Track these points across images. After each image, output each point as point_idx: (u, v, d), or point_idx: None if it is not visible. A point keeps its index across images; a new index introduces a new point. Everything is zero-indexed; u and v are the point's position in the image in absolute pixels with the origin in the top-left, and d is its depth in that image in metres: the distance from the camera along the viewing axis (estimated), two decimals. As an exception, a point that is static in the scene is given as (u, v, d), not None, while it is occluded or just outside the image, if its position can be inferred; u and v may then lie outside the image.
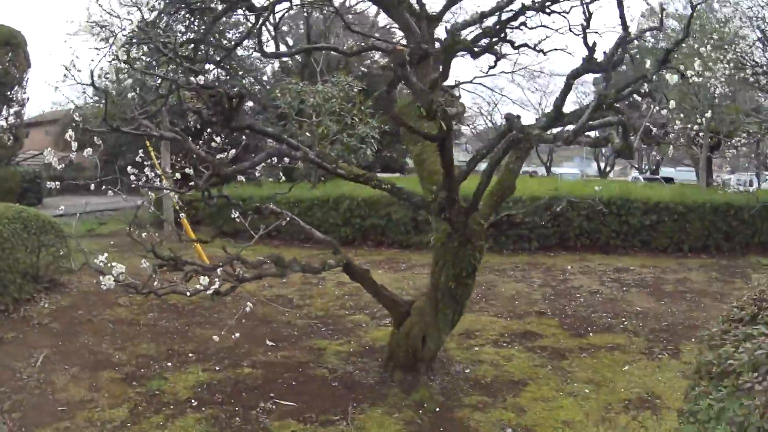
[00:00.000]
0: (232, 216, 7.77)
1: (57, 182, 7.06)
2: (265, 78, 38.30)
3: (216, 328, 9.68)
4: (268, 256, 6.83)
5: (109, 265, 5.27)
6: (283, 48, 36.78)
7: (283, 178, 10.24)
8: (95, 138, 5.76)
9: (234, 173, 5.65)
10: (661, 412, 6.90)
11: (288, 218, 7.72)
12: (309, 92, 21.56)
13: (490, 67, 7.77)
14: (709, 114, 17.65)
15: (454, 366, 8.45)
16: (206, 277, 6.13)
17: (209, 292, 5.19)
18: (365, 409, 7.16)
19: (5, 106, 19.16)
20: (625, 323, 10.49)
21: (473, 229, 6.88)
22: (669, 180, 40.42)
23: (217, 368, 8.57)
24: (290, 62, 36.88)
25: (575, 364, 8.51)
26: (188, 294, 5.64)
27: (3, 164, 19.29)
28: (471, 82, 42.02)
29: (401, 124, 5.93)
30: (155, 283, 6.37)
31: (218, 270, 6.30)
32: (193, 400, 7.54)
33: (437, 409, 7.14)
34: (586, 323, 10.56)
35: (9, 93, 18.99)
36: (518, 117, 5.08)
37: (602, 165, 56.98)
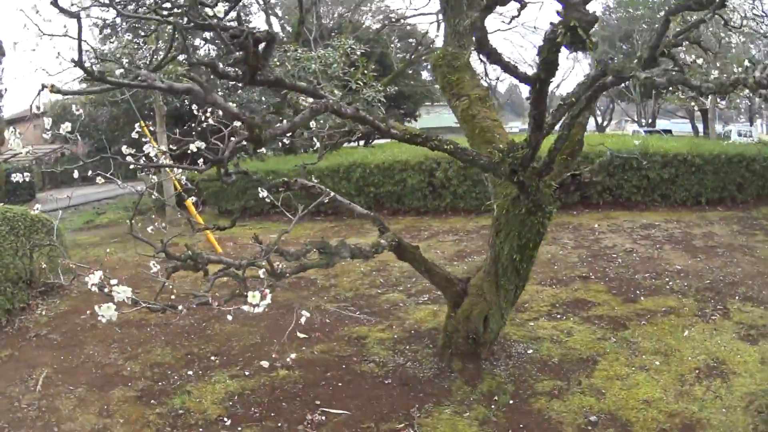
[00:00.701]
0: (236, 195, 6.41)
1: (28, 174, 5.73)
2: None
3: (237, 322, 8.53)
4: (312, 243, 5.51)
5: (107, 289, 3.88)
6: (275, 22, 35.40)
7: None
8: (75, 108, 4.43)
9: (273, 136, 4.28)
10: (731, 379, 6.46)
11: (330, 194, 6.48)
12: (310, 58, 20.52)
13: (513, 17, 6.66)
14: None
15: (514, 346, 7.50)
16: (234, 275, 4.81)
17: (256, 306, 3.75)
18: (430, 411, 6.13)
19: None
20: (670, 284, 9.78)
21: (544, 193, 5.95)
22: (668, 132, 40.24)
23: (247, 373, 7.34)
24: (281, 33, 35.32)
25: (637, 334, 7.82)
26: (220, 306, 4.23)
27: (-17, 160, 18.08)
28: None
29: (497, 60, 4.64)
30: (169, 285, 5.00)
31: (244, 265, 4.96)
32: (225, 419, 6.32)
33: (510, 402, 6.20)
34: (632, 286, 9.78)
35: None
36: (611, 58, 4.00)
37: (599, 119, 56.05)
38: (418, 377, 6.88)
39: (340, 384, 6.94)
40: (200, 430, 6.13)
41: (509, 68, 4.71)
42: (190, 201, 13.23)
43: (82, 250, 13.61)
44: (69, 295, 10.34)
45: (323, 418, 6.22)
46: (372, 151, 20.80)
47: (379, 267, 11.43)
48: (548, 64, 4.28)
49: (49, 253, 10.13)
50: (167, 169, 15.62)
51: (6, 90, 18.36)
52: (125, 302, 3.51)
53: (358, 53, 21.39)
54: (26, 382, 7.36)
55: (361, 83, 20.86)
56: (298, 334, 8.33)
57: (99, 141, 30.75)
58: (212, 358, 7.76)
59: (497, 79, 50.32)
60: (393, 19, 36.98)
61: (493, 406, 6.10)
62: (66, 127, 4.31)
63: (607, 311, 8.62)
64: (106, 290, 3.43)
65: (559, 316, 8.53)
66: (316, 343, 8.12)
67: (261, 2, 33.24)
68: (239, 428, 6.12)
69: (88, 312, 8.92)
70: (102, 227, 17.91)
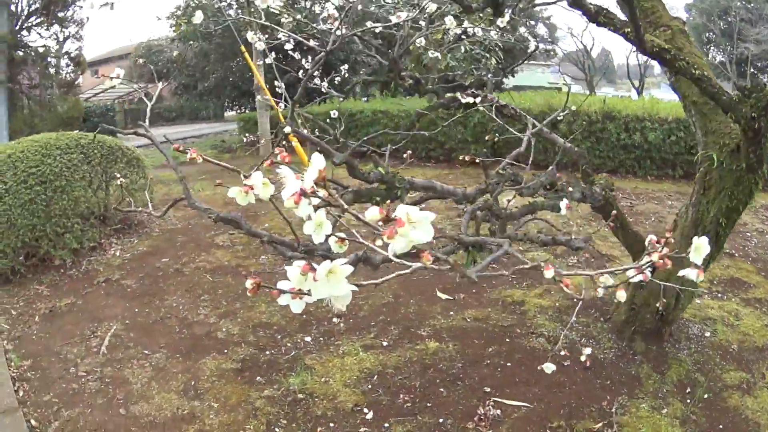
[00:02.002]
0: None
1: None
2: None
3: (360, 275, 6.48)
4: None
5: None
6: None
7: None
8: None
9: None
10: None
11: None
12: None
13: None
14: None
15: (689, 327, 5.97)
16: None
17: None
18: (625, 405, 4.63)
19: (60, 28, 16.42)
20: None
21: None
22: None
23: (385, 343, 5.41)
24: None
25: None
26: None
27: (62, 93, 16.66)
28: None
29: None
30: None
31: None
32: (365, 409, 4.45)
33: (706, 396, 4.81)
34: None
35: (63, 13, 16.24)
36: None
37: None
38: (599, 359, 5.26)
39: (508, 364, 5.12)
40: (331, 425, 4.24)
41: None
42: (294, 138, 11.57)
43: (164, 186, 11.96)
44: (149, 233, 8.62)
45: (498, 412, 4.44)
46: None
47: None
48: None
49: (127, 185, 8.46)
50: (269, 101, 14.11)
51: (88, 19, 16.88)
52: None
53: None
54: (88, 340, 5.64)
55: (480, 25, 19.16)
56: (439, 294, 6.44)
57: (187, 78, 29.61)
58: (335, 320, 5.86)
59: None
60: None
61: (688, 401, 4.73)
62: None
63: (765, 295, 7.07)
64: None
65: (720, 295, 6.97)
66: (465, 307, 6.21)
67: None
68: (386, 425, 4.25)
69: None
70: (187, 164, 16.39)
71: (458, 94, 5.43)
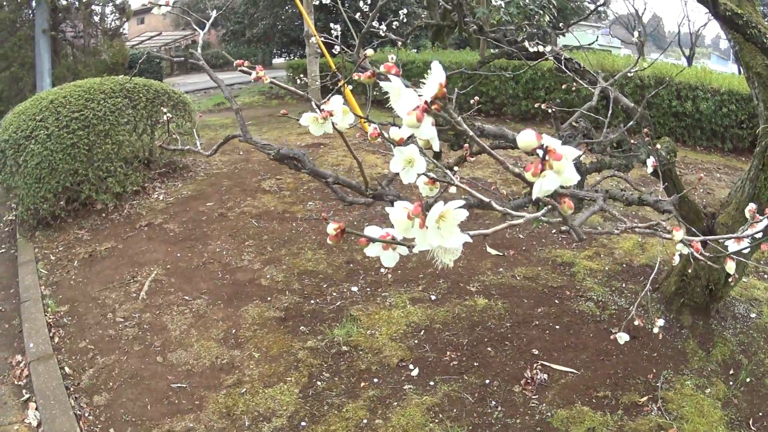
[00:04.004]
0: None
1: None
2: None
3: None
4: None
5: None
6: None
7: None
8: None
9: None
10: None
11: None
12: None
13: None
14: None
15: (735, 306, 5.74)
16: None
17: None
18: (671, 380, 4.48)
19: (103, -27, 16.39)
20: None
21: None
22: None
23: (434, 297, 5.28)
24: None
25: None
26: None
27: (107, 39, 16.67)
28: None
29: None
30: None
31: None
32: (411, 365, 4.34)
33: (748, 380, 4.60)
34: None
35: (107, -42, 16.21)
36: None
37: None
38: (646, 329, 4.97)
39: (557, 327, 4.99)
40: (375, 380, 4.13)
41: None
42: (347, 88, 11.45)
43: (211, 131, 11.92)
44: (194, 177, 8.55)
45: (545, 376, 4.33)
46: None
47: None
48: None
49: (174, 129, 8.41)
50: (319, 51, 13.94)
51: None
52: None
53: None
54: (127, 285, 5.60)
55: None
56: (488, 248, 6.27)
57: (235, 24, 29.55)
58: (382, 270, 5.71)
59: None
60: None
61: (731, 383, 4.55)
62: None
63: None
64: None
65: (766, 275, 6.67)
66: (515, 265, 6.03)
67: None
68: (431, 383, 4.13)
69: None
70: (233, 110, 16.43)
71: (527, 43, 5.20)
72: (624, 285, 5.77)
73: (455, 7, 4.60)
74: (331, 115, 1.42)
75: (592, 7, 47.68)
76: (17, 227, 7.36)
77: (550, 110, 3.95)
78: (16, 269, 6.36)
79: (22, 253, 6.68)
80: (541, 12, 18.63)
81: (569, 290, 5.57)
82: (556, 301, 5.35)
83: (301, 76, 17.50)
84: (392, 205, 1.01)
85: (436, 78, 0.95)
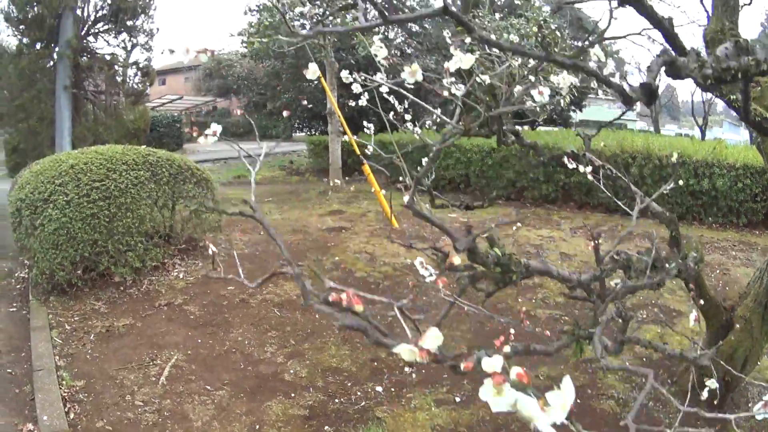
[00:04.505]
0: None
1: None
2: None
3: (433, 322, 6.30)
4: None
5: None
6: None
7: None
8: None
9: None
10: None
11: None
12: (504, 28, 18.80)
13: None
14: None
15: (749, 390, 5.77)
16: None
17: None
18: None
19: (128, 37, 16.64)
20: None
21: None
22: None
23: (458, 399, 5.27)
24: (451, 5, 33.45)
25: None
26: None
27: (129, 103, 16.89)
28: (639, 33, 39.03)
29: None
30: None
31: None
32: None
33: None
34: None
35: (131, 22, 16.46)
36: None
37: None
38: (665, 421, 5.08)
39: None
40: (403, 489, 4.05)
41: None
42: (367, 166, 11.53)
43: (231, 206, 11.96)
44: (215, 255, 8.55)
45: None
46: (564, 133, 18.84)
47: (583, 268, 9.17)
48: None
49: (195, 206, 8.46)
50: (341, 129, 14.14)
51: (158, 30, 17.11)
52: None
53: (553, 27, 19.72)
54: (146, 367, 5.56)
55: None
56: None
57: (258, 96, 29.95)
58: (407, 369, 5.68)
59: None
60: (566, 2, 34.73)
61: None
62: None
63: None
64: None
65: None
66: (538, 364, 5.99)
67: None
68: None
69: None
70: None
71: (565, 159, 5.24)
72: (644, 380, 5.69)
73: (497, 120, 4.65)
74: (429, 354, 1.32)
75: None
76: (30, 288, 7.36)
77: (590, 244, 3.98)
78: (27, 331, 6.35)
79: (35, 316, 6.67)
80: (562, 94, 19.04)
81: (591, 389, 5.56)
82: (578, 401, 5.28)
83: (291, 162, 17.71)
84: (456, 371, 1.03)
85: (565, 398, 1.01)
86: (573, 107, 42.88)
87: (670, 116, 78.89)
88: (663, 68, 2.80)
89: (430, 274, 3.68)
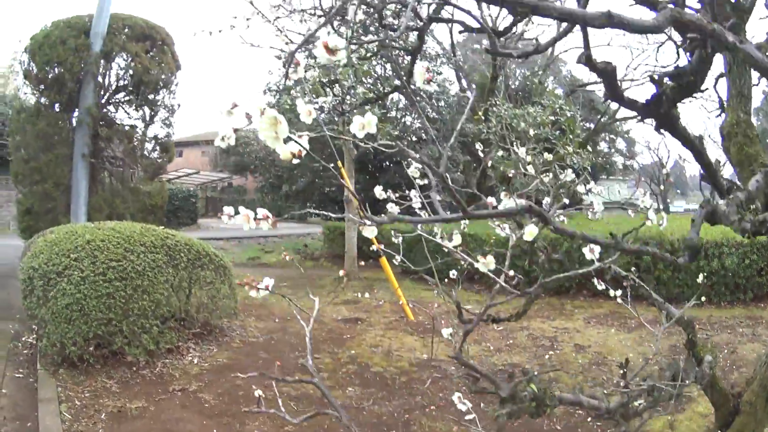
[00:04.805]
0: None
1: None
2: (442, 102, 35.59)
3: (452, 415, 6.30)
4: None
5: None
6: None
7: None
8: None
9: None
10: None
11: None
12: (518, 116, 19.03)
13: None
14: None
15: None
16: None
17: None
18: None
19: (149, 110, 16.81)
20: None
21: None
22: None
23: None
24: (468, 91, 33.93)
25: None
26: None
27: (147, 177, 17.00)
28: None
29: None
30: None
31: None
32: None
33: None
34: None
35: (153, 96, 16.65)
36: None
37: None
38: None
39: None
40: None
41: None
42: (384, 259, 11.55)
43: (246, 291, 11.98)
44: (229, 343, 8.53)
45: None
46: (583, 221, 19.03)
47: (596, 360, 9.17)
48: None
49: (210, 292, 8.47)
50: (358, 216, 14.24)
51: (179, 106, 17.35)
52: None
53: (568, 114, 20.02)
54: (159, 458, 5.45)
55: (569, 149, 19.30)
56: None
57: (274, 177, 30.22)
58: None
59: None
60: (579, 85, 35.42)
61: None
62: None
63: None
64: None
65: None
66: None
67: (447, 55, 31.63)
68: None
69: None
70: (268, 267, 16.75)
71: (595, 281, 5.07)
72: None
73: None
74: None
75: (620, 160, 48.94)
76: (39, 356, 7.32)
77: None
78: (34, 400, 6.30)
79: (44, 387, 6.63)
80: (577, 180, 19.15)
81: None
82: None
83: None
84: None
85: None
86: (586, 188, 43.14)
87: (679, 191, 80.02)
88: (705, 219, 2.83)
89: (468, 410, 3.67)
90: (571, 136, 19.56)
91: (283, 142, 1.78)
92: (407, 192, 5.35)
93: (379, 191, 4.07)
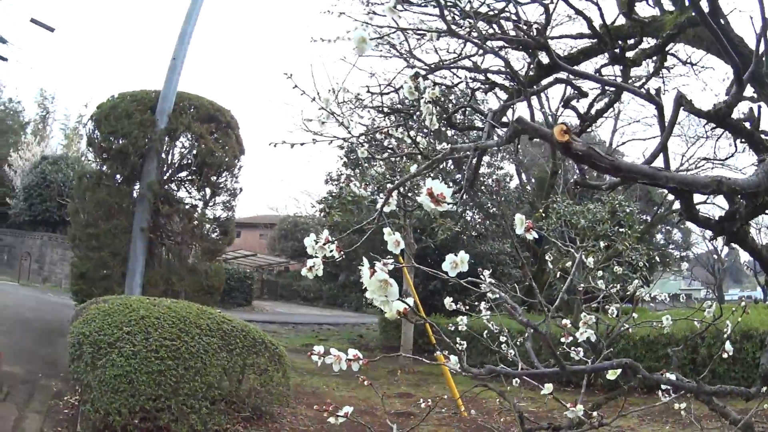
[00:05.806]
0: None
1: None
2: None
3: None
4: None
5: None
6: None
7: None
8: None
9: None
10: None
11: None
12: (577, 213, 19.06)
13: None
14: None
15: None
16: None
17: None
18: None
19: (211, 192, 16.96)
20: None
21: None
22: None
23: None
24: (527, 184, 34.10)
25: None
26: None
27: (206, 258, 17.10)
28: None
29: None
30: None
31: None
32: None
33: None
34: None
35: (215, 178, 16.81)
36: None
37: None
38: None
39: None
40: None
41: None
42: (441, 356, 11.38)
43: (298, 376, 11.94)
44: (279, 430, 8.44)
45: None
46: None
47: None
48: None
49: (263, 378, 8.48)
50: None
51: (241, 190, 17.53)
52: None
53: (627, 210, 19.97)
54: None
55: (627, 245, 19.26)
56: None
57: (331, 265, 30.35)
58: None
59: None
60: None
61: None
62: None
63: None
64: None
65: None
66: None
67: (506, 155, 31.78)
68: None
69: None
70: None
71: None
72: None
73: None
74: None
75: (675, 252, 48.18)
76: (80, 419, 7.32)
77: None
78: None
79: (82, 449, 6.63)
80: (635, 276, 18.87)
81: None
82: None
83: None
84: None
85: None
86: (643, 283, 42.30)
87: (733, 279, 78.79)
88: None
89: None
90: (629, 231, 19.55)
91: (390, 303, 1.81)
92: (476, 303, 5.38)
93: (448, 302, 4.11)
